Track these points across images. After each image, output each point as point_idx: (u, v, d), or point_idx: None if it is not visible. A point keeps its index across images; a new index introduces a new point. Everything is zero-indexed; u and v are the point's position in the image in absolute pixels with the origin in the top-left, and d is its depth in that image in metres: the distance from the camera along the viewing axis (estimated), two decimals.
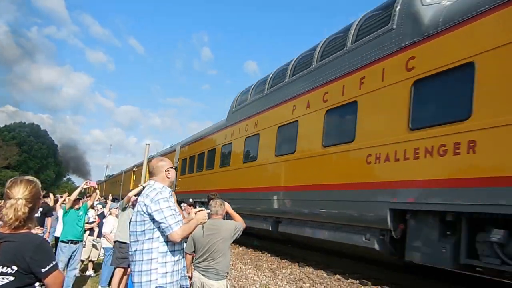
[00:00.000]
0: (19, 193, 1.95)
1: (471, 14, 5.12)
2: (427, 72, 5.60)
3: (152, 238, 2.60)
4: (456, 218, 4.98)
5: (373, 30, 6.95)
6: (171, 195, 2.79)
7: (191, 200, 11.38)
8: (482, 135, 4.66)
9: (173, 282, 2.61)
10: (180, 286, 2.81)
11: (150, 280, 2.55)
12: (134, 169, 29.45)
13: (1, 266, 1.83)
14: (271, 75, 10.60)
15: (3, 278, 1.83)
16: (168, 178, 2.82)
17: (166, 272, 2.59)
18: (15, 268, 1.84)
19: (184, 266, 2.82)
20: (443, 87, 5.43)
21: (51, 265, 1.92)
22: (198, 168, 15.01)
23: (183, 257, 2.79)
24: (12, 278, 1.84)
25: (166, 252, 2.61)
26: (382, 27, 6.74)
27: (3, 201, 2.05)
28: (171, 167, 2.86)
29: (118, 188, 34.25)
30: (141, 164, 26.27)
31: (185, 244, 2.90)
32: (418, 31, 5.94)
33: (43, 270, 1.88)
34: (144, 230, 2.62)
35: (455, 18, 5.40)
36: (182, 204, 8.00)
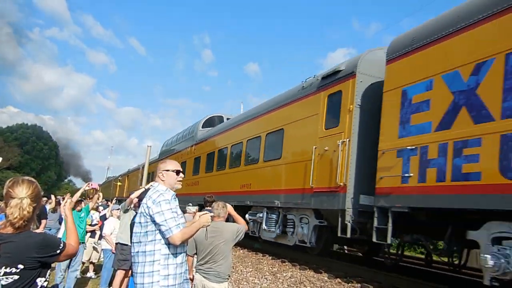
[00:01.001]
0: (23, 192, 1.95)
1: (201, 140, 15.56)
2: (198, 155, 15.41)
3: (155, 240, 2.59)
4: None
5: (191, 133, 17.01)
6: (174, 197, 2.77)
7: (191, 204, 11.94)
8: (201, 179, 14.79)
9: (175, 284, 2.59)
10: None
11: (152, 282, 2.54)
12: (119, 178, 37.60)
13: (5, 267, 1.84)
14: (171, 140, 20.64)
15: (7, 278, 1.84)
16: (163, 180, 2.77)
17: (168, 275, 2.57)
18: (21, 266, 1.86)
19: (186, 269, 2.80)
20: (196, 163, 15.49)
21: (60, 248, 2.01)
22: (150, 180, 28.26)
23: (185, 261, 2.76)
24: (16, 277, 1.86)
25: (169, 254, 2.60)
26: (192, 133, 16.82)
27: (3, 201, 2.07)
28: (167, 170, 2.78)
29: (109, 191, 39.00)
30: (125, 174, 36.58)
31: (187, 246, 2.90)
32: (197, 140, 15.93)
33: (54, 256, 1.99)
34: (146, 232, 2.62)
35: (202, 139, 15.49)
36: (187, 208, 8.09)
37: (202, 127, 16.51)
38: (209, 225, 2.83)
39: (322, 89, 8.12)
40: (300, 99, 8.90)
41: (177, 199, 2.86)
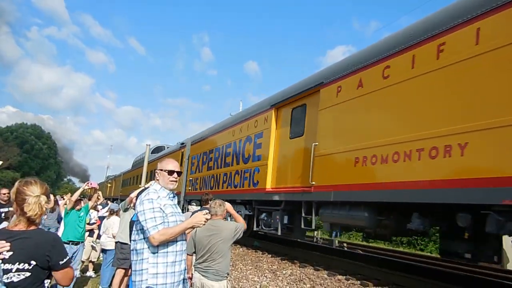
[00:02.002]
0: (37, 191, 2.04)
1: (148, 162, 18.72)
2: (146, 171, 18.41)
3: (144, 238, 2.57)
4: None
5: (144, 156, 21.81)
6: (170, 196, 2.75)
7: (194, 203, 12.50)
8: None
9: (166, 284, 2.53)
10: None
11: (141, 280, 2.53)
12: (109, 180, 45.66)
13: (18, 263, 1.87)
14: (138, 158, 29.19)
15: (19, 275, 1.87)
16: (157, 179, 2.77)
17: (157, 273, 2.52)
18: (33, 263, 1.90)
19: (185, 269, 2.74)
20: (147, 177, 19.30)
21: (67, 258, 2.04)
22: (123, 185, 34.15)
23: (182, 260, 2.69)
24: (28, 274, 1.89)
25: (157, 253, 2.55)
26: (141, 164, 24.73)
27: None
28: (161, 169, 2.76)
29: (103, 191, 43.49)
30: (113, 178, 43.31)
31: (185, 246, 2.85)
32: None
33: (60, 262, 1.99)
34: (138, 230, 2.62)
35: (149, 161, 18.98)
36: (189, 206, 8.16)
37: (152, 153, 25.38)
38: (199, 226, 2.74)
39: (180, 149, 17.42)
40: (175, 151, 18.63)
41: (175, 197, 2.84)
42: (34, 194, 2.01)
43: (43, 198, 2.04)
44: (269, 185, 9.08)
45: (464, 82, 4.74)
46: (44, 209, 2.03)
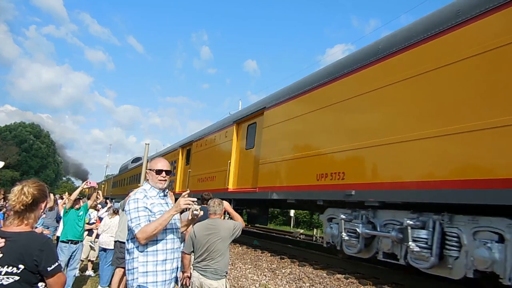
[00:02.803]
0: (28, 184, 2.03)
1: (129, 169, 32.26)
2: (127, 176, 32.39)
3: (134, 237, 2.58)
4: None
5: (126, 164, 34.88)
6: (162, 195, 2.75)
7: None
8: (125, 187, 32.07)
9: (156, 282, 2.53)
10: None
11: (133, 279, 2.54)
12: (103, 182, 50.73)
13: (6, 266, 1.83)
14: (124, 164, 36.97)
15: (7, 278, 1.82)
16: (147, 179, 2.78)
17: (147, 272, 2.53)
18: (21, 267, 1.85)
19: (177, 268, 2.74)
20: (126, 180, 32.75)
21: (56, 264, 1.95)
22: (115, 186, 40.08)
23: (174, 258, 2.68)
24: (17, 278, 1.84)
25: (147, 251, 2.56)
26: (127, 165, 34.52)
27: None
28: (149, 169, 2.76)
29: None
30: (105, 180, 49.68)
31: (178, 244, 2.84)
32: (127, 169, 33.31)
33: (49, 268, 1.91)
34: (129, 230, 2.63)
35: (129, 169, 32.23)
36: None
37: (132, 162, 31.80)
38: (187, 207, 2.60)
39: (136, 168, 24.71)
40: (132, 169, 28.20)
41: (167, 196, 2.83)
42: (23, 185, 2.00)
43: (26, 188, 1.99)
44: (177, 189, 16.59)
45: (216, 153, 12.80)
46: (24, 197, 1.95)
